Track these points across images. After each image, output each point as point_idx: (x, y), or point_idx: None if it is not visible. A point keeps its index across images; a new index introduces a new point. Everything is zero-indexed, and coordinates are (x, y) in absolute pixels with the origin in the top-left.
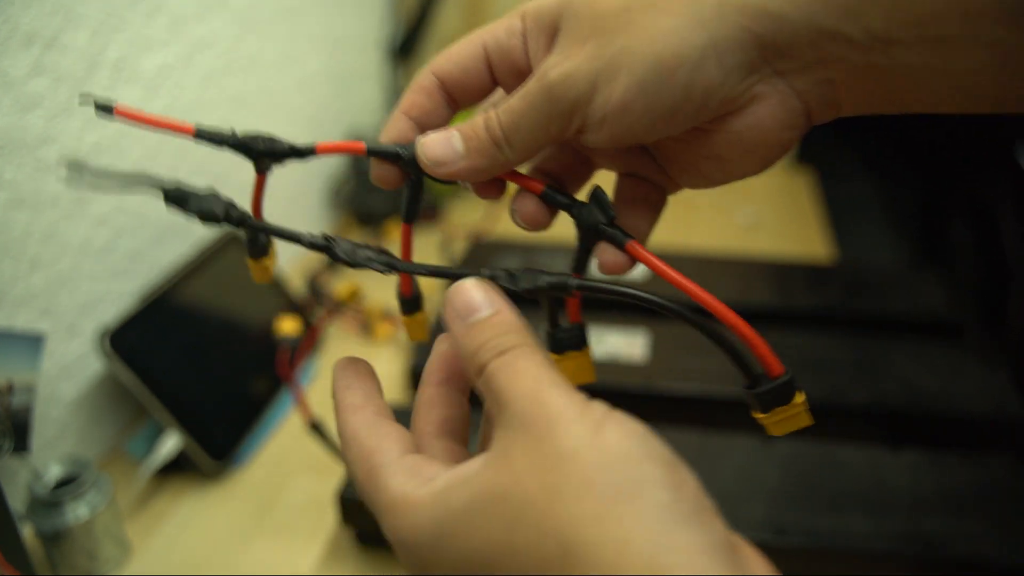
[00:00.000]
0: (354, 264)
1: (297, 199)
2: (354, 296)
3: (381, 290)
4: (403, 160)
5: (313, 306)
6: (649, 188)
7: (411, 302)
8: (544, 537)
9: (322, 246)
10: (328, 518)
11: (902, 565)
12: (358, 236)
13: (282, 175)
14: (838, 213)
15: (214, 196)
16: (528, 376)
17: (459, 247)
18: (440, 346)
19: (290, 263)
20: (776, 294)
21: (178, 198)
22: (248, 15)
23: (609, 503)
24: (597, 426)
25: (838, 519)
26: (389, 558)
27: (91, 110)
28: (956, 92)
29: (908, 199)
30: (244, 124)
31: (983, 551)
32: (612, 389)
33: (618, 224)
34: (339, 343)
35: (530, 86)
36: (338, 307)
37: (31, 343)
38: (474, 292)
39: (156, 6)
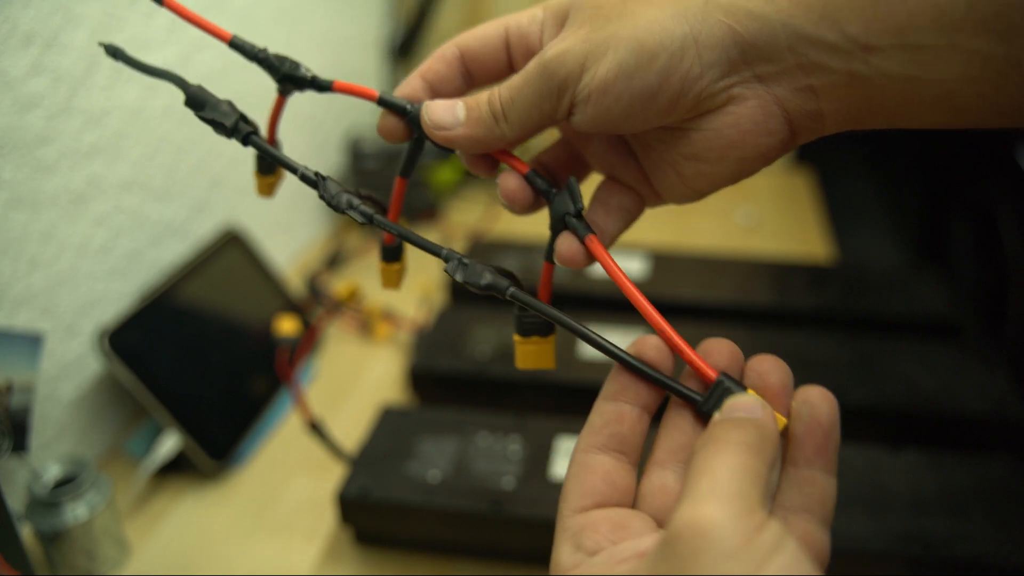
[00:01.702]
0: (336, 207)
1: (297, 200)
2: (353, 296)
3: (380, 290)
4: (408, 116)
5: (312, 306)
6: (627, 194)
7: (392, 251)
8: None
9: (312, 181)
10: (327, 518)
11: (902, 565)
12: (357, 234)
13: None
14: (838, 213)
15: (230, 107)
16: (713, 473)
17: (459, 247)
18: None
19: (290, 263)
20: (776, 294)
21: (197, 101)
22: (248, 15)
23: None
24: (760, 564)
25: (838, 519)
26: (388, 558)
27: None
28: (938, 104)
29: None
30: None
31: (983, 551)
32: None
33: (584, 218)
34: (338, 343)
35: (530, 64)
36: (337, 307)
37: (30, 343)
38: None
39: (155, 6)
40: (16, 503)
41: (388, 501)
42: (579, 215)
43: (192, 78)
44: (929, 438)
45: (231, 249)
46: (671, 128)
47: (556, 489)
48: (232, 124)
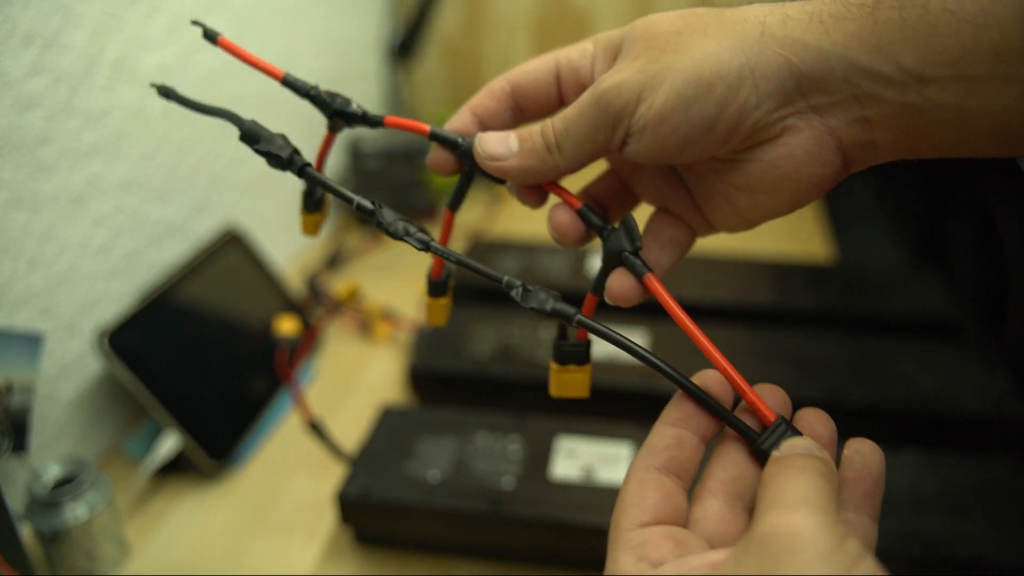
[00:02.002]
0: (393, 234)
1: (297, 199)
2: (353, 296)
3: (380, 290)
4: (460, 149)
5: (312, 306)
6: (680, 227)
7: (439, 285)
8: None
9: (369, 210)
10: (327, 518)
11: (901, 565)
12: (357, 234)
13: (281, 175)
14: (838, 213)
15: (284, 140)
16: (796, 489)
17: (458, 246)
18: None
19: (290, 263)
20: (776, 294)
21: (252, 135)
22: (247, 15)
23: None
24: (850, 567)
25: None
26: (387, 558)
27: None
28: (991, 134)
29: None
30: None
31: (982, 551)
32: (612, 389)
33: (641, 255)
34: (338, 343)
35: (584, 95)
36: (337, 307)
37: (30, 343)
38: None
39: (155, 6)
40: (16, 503)
41: (388, 501)
42: (636, 252)
43: (192, 78)
44: (929, 438)
45: (231, 249)
46: (725, 159)
47: (556, 489)
48: (287, 156)
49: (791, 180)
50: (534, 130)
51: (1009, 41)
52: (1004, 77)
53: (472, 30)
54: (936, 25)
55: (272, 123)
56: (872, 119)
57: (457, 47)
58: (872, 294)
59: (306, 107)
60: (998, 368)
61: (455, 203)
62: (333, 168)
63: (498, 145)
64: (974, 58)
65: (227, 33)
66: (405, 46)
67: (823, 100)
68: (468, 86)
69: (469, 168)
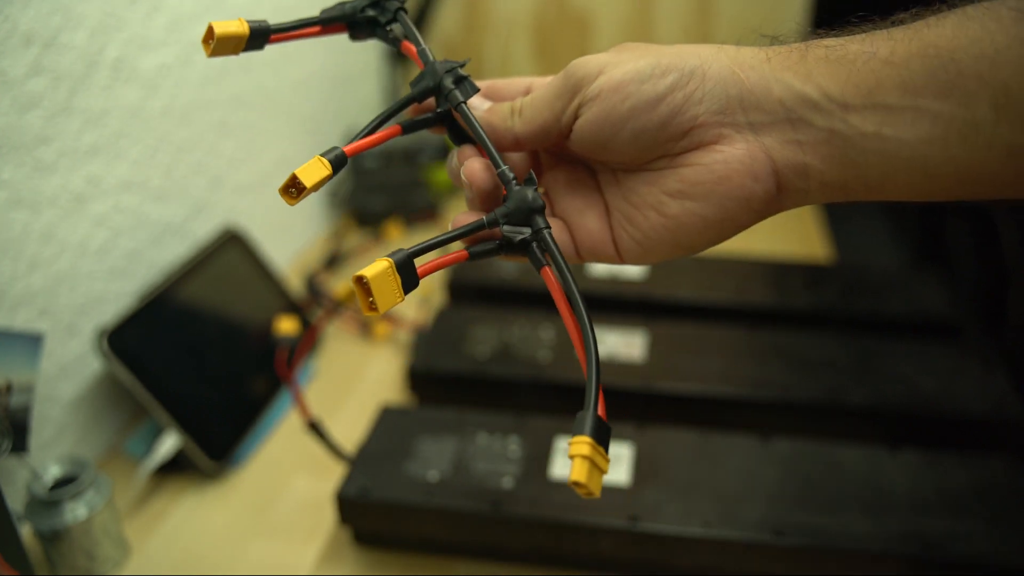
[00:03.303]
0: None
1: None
2: (353, 296)
3: None
4: (441, 90)
5: (312, 306)
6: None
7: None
8: None
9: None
10: (326, 518)
11: (901, 565)
12: (357, 236)
13: (280, 175)
14: (837, 213)
15: None
16: None
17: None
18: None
19: (289, 263)
20: (775, 294)
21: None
22: (247, 15)
23: None
24: None
25: (837, 519)
26: (387, 558)
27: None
28: (912, 166)
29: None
30: (242, 124)
31: (982, 551)
32: (610, 389)
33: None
34: (338, 343)
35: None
36: (337, 307)
37: (30, 343)
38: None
39: (155, 6)
40: (16, 503)
41: (387, 501)
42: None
43: (192, 78)
44: (928, 438)
45: (230, 249)
46: (659, 168)
47: (556, 489)
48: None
49: (723, 187)
50: (507, 102)
51: (916, 77)
52: (915, 108)
53: (472, 30)
54: (854, 61)
55: (272, 122)
56: (804, 143)
57: (457, 47)
58: (872, 294)
59: (306, 106)
60: (998, 368)
61: (410, 129)
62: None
63: (476, 100)
64: (885, 88)
65: None
66: None
67: (760, 118)
68: None
69: (444, 111)
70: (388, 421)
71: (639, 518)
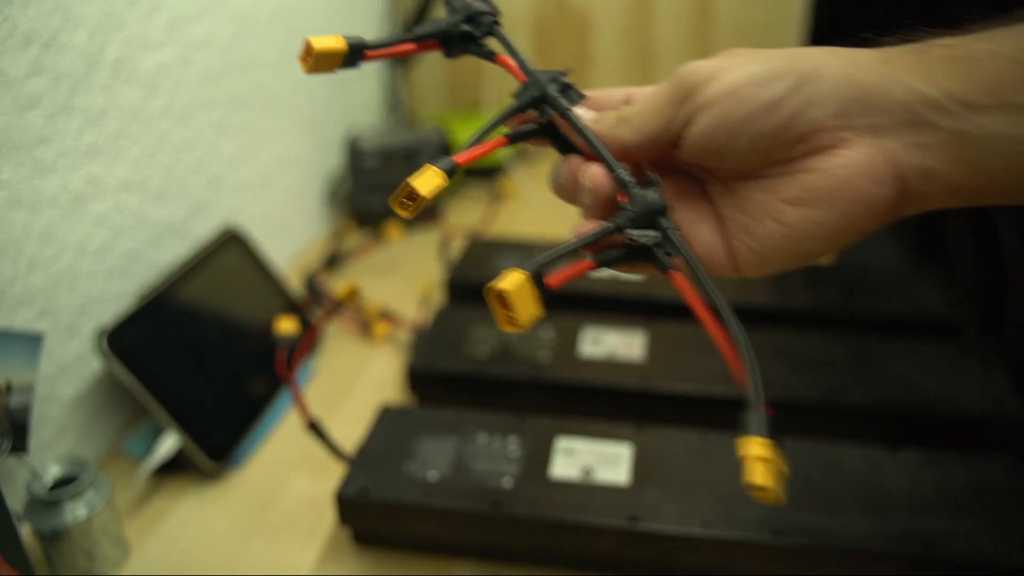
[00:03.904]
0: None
1: (296, 199)
2: (352, 296)
3: (379, 290)
4: (546, 98)
5: (311, 306)
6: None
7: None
8: None
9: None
10: (326, 518)
11: (900, 565)
12: (357, 236)
13: (280, 175)
14: None
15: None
16: None
17: (457, 246)
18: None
19: (289, 263)
20: (774, 294)
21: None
22: (247, 15)
23: None
24: None
25: (836, 519)
26: (387, 558)
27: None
28: None
29: None
30: (242, 124)
31: (981, 551)
32: (610, 388)
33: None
34: (338, 343)
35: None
36: (336, 307)
37: (30, 343)
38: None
39: (154, 6)
40: (16, 503)
41: (387, 501)
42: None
43: (192, 78)
44: (928, 438)
45: (230, 249)
46: (776, 175)
47: (555, 489)
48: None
49: (844, 192)
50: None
51: None
52: None
53: None
54: (979, 60)
55: (272, 122)
56: (928, 146)
57: None
58: (871, 294)
59: (306, 107)
60: (997, 368)
61: (515, 139)
62: (333, 171)
63: (579, 110)
64: (1014, 88)
65: (227, 33)
66: None
67: (880, 121)
68: (468, 86)
69: (547, 120)
70: (388, 421)
71: (639, 518)
